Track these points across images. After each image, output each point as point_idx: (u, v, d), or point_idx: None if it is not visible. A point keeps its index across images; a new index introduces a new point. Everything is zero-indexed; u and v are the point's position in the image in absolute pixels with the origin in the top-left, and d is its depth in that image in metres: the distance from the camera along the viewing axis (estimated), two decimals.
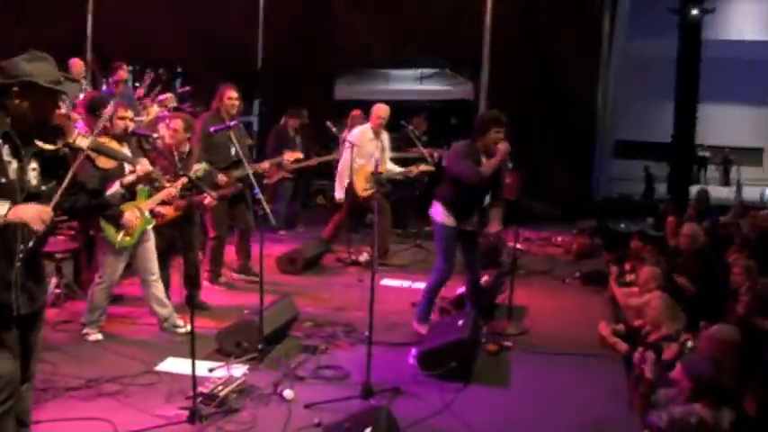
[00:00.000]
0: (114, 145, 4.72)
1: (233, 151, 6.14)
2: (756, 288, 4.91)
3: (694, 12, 13.34)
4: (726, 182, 17.70)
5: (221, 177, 6.05)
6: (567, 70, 12.06)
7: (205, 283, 6.42)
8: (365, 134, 7.38)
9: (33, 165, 2.92)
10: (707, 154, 18.39)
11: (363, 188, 7.40)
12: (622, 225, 10.52)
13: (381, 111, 7.37)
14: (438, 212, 5.30)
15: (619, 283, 6.29)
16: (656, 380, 4.04)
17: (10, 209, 2.76)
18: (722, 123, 17.73)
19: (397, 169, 7.64)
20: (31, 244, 2.89)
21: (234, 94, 6.32)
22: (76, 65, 8.16)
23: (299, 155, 7.08)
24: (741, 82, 17.46)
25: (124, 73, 8.53)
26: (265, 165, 6.79)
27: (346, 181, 7.37)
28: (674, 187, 13.60)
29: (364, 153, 7.30)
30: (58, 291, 5.58)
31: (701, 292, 5.74)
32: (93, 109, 5.06)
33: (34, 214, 2.78)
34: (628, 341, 4.95)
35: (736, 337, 4.01)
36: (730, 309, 5.10)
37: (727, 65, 16.33)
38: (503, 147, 5.09)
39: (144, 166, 4.70)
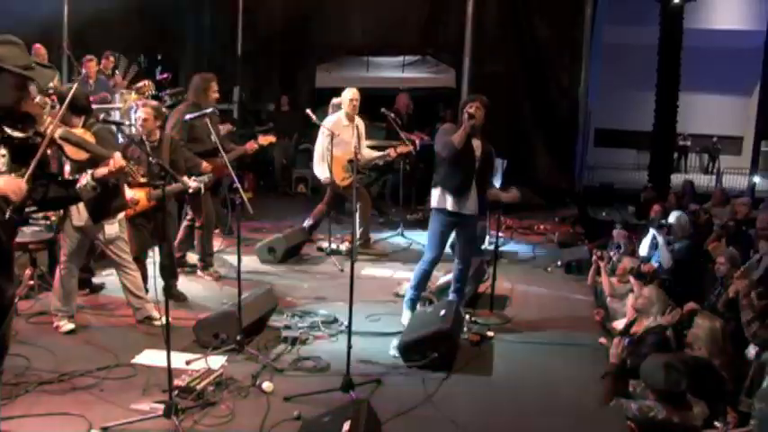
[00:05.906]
0: (88, 137, 4.56)
1: (213, 138, 6.04)
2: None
3: (676, 0, 13.37)
4: (709, 170, 17.85)
5: (206, 165, 5.89)
6: (549, 57, 12.04)
7: (198, 273, 6.40)
8: (340, 122, 7.25)
9: (2, 151, 2.84)
10: (687, 143, 18.50)
11: (342, 177, 7.30)
12: (604, 214, 10.54)
13: (352, 94, 7.26)
14: (433, 198, 5.32)
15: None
16: (619, 363, 4.05)
17: None
18: (702, 112, 17.81)
19: (376, 154, 7.53)
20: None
21: (216, 86, 6.23)
22: (39, 50, 7.96)
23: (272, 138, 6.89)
24: (721, 71, 17.54)
25: (94, 66, 8.36)
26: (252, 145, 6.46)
27: (324, 165, 7.22)
28: (655, 176, 13.65)
29: (340, 140, 7.17)
30: (31, 282, 5.45)
31: (682, 277, 5.77)
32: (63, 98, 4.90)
33: (15, 186, 2.72)
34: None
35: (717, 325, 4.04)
36: (717, 295, 5.12)
37: (708, 54, 16.38)
38: (465, 115, 5.13)
39: (117, 160, 4.54)
